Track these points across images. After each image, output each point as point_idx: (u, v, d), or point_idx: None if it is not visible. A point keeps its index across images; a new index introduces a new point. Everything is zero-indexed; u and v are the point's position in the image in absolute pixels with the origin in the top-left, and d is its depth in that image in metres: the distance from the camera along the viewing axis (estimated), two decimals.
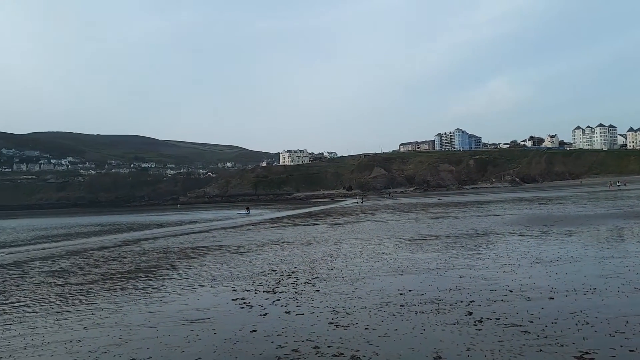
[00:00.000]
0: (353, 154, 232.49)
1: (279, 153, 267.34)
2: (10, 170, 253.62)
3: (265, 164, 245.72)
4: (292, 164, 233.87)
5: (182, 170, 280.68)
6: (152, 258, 19.33)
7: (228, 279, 13.16)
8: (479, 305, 8.77)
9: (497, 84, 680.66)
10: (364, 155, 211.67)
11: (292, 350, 6.79)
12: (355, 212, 50.75)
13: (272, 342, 7.22)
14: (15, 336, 8.26)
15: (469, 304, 8.90)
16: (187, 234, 33.05)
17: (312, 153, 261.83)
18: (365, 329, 7.66)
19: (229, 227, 37.33)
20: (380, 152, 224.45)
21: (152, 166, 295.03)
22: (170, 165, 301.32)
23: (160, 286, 12.58)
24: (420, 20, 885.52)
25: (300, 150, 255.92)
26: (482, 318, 7.92)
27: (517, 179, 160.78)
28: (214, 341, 7.45)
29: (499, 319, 7.87)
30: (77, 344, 7.61)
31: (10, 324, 9.21)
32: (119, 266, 17.19)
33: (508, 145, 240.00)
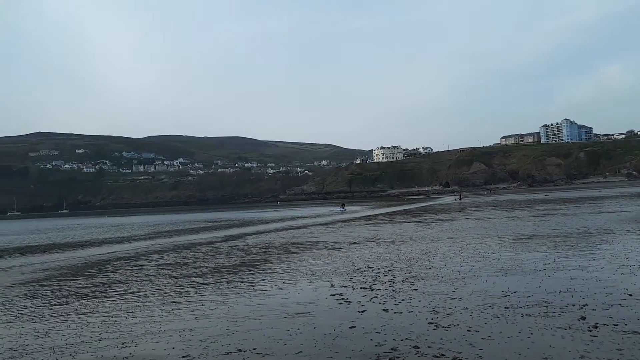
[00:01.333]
0: (450, 148, 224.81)
1: (372, 150, 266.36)
2: (130, 171, 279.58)
3: (359, 161, 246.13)
4: (385, 160, 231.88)
5: (281, 169, 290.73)
6: (255, 253, 20.26)
7: (326, 274, 13.41)
8: (594, 310, 8.09)
9: (609, 70, 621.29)
10: (462, 150, 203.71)
11: (392, 349, 6.76)
12: (453, 209, 49.15)
13: (371, 340, 7.25)
14: (136, 323, 9.09)
15: (581, 308, 8.24)
16: (286, 229, 34.18)
17: (406, 149, 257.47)
18: (467, 330, 7.41)
19: (326, 224, 38.00)
20: (479, 146, 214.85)
21: (254, 165, 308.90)
22: (270, 165, 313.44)
23: (263, 280, 13.16)
24: (520, 4, 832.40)
25: (394, 147, 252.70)
26: (597, 323, 7.30)
27: (634, 172, 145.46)
28: (315, 335, 7.65)
29: (616, 325, 7.20)
30: (189, 332, 8.20)
31: (132, 311, 10.14)
32: (226, 260, 18.24)
33: (624, 136, 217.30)
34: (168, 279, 14.36)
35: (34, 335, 8.57)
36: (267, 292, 11.44)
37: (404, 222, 34.50)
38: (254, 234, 32.04)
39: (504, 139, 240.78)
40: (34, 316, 10.23)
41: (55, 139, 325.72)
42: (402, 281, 11.66)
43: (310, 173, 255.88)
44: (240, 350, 7.06)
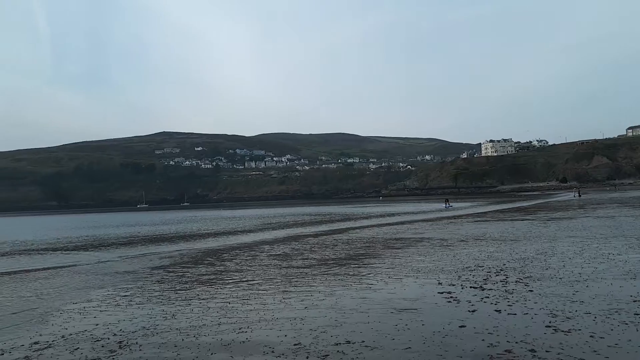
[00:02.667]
0: (567, 141, 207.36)
1: (480, 144, 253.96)
2: (242, 167, 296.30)
3: (465, 156, 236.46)
4: (495, 154, 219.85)
5: (383, 164, 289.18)
6: (360, 247, 20.44)
7: (433, 271, 13.16)
8: None
9: None
10: (581, 143, 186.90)
11: (505, 351, 6.49)
12: (571, 206, 45.37)
13: (483, 340, 7.01)
14: (251, 310, 9.65)
15: None
16: (389, 225, 33.98)
17: (518, 142, 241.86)
18: (591, 336, 6.86)
19: (430, 220, 37.12)
20: (601, 138, 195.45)
21: (357, 161, 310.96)
22: (372, 160, 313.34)
23: (369, 274, 13.26)
24: None
25: (505, 140, 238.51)
26: None
27: None
28: (423, 332, 7.57)
29: None
30: (300, 321, 8.54)
31: (247, 299, 10.78)
32: (331, 253, 18.64)
33: None
34: (279, 269, 15.03)
35: (163, 317, 9.47)
36: (373, 286, 11.51)
37: (517, 219, 32.59)
38: (357, 228, 32.31)
39: (630, 130, 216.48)
40: (162, 299, 11.29)
41: (177, 137, 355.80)
42: (516, 282, 11.08)
43: (413, 168, 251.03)
44: (349, 342, 7.21)
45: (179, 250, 23.25)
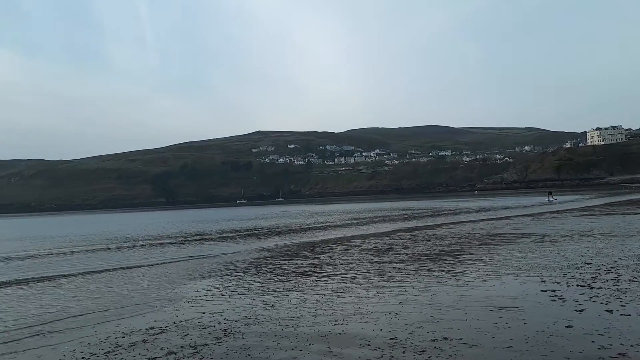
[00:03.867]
0: None
1: (585, 132, 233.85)
2: (332, 163, 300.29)
3: (569, 145, 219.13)
4: (602, 143, 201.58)
5: (477, 157, 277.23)
6: (454, 242, 19.90)
7: (534, 268, 12.49)
8: None
9: None
10: None
11: (619, 354, 6.03)
12: None
13: (593, 342, 6.57)
14: (346, 303, 9.82)
15: None
16: (486, 220, 32.66)
17: (630, 129, 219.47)
18: None
19: (531, 215, 35.10)
20: None
21: (449, 154, 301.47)
22: (466, 152, 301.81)
23: (465, 270, 12.89)
24: None
25: (613, 127, 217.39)
26: None
27: None
28: (525, 331, 7.25)
29: None
30: (395, 316, 8.55)
31: (342, 292, 10.98)
32: (424, 248, 18.35)
33: None
34: (371, 263, 15.11)
35: (263, 307, 9.95)
36: (470, 283, 11.19)
37: (629, 213, 29.80)
38: (451, 223, 31.43)
39: None
40: (262, 290, 11.85)
41: (271, 136, 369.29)
42: (630, 280, 10.20)
43: (510, 160, 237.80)
44: (446, 339, 7.11)
45: (275, 243, 24.16)
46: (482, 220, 33.03)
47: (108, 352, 7.45)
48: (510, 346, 6.64)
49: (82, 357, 7.24)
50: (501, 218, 33.68)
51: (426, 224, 32.37)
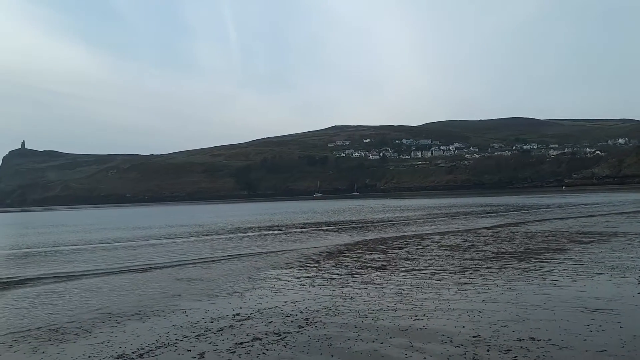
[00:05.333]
0: None
1: None
2: (409, 157, 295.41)
3: None
4: None
5: (565, 150, 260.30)
6: (540, 240, 18.97)
7: (631, 269, 11.65)
8: None
9: None
10: None
11: None
12: None
13: None
14: (426, 299, 9.74)
15: None
16: (575, 217, 30.80)
17: None
18: None
19: (625, 212, 32.58)
20: None
21: (534, 147, 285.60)
22: (552, 146, 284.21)
23: (553, 269, 12.28)
24: None
25: None
26: None
27: None
28: (621, 335, 6.81)
29: None
30: (477, 314, 8.36)
31: (421, 287, 10.88)
32: (508, 246, 17.66)
33: None
34: (451, 260, 14.80)
35: (342, 299, 10.11)
36: (558, 282, 10.66)
37: None
38: (536, 220, 29.91)
39: None
40: (341, 282, 12.03)
41: (347, 130, 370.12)
42: None
43: (602, 154, 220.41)
44: (533, 339, 6.86)
45: (351, 236, 24.31)
46: (571, 217, 31.13)
47: (199, 335, 7.95)
48: (604, 350, 6.28)
49: (176, 339, 7.77)
50: (592, 215, 31.57)
51: (509, 220, 31.03)
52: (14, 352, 7.46)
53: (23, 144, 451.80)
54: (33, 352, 7.41)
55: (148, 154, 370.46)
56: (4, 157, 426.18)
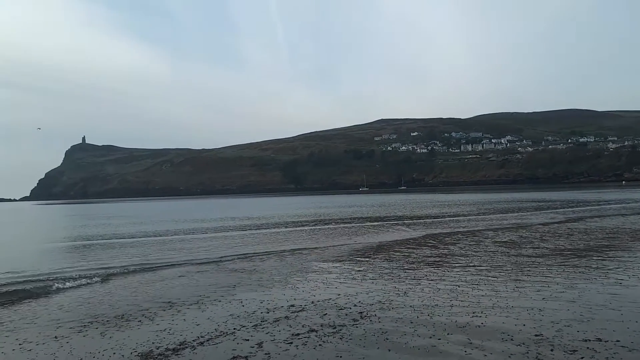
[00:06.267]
0: None
1: None
2: (458, 150, 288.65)
3: None
4: None
5: (626, 143, 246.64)
6: (601, 237, 18.16)
7: None
8: None
9: None
10: None
11: None
12: None
13: None
14: (482, 295, 9.52)
15: None
16: (637, 214, 29.24)
17: None
18: None
19: None
20: None
21: (591, 140, 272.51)
22: (611, 139, 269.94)
23: (617, 268, 11.72)
24: None
25: None
26: None
27: None
28: None
29: None
30: (538, 312, 8.10)
31: (477, 284, 10.65)
32: (567, 243, 16.99)
33: None
34: (507, 257, 14.40)
35: (395, 293, 10.06)
36: (624, 282, 10.18)
37: None
38: (595, 217, 28.59)
39: None
40: (392, 277, 11.96)
41: (393, 124, 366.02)
42: None
43: None
44: (600, 340, 6.59)
45: (400, 231, 24.07)
46: (634, 214, 29.57)
47: (256, 325, 8.13)
48: None
49: (234, 329, 7.98)
50: None
51: (566, 217, 29.81)
52: (83, 336, 7.89)
53: (84, 139, 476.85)
54: (101, 336, 7.81)
55: (199, 148, 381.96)
56: (67, 151, 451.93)
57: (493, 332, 7.17)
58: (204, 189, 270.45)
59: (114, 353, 6.97)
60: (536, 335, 6.88)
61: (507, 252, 15.28)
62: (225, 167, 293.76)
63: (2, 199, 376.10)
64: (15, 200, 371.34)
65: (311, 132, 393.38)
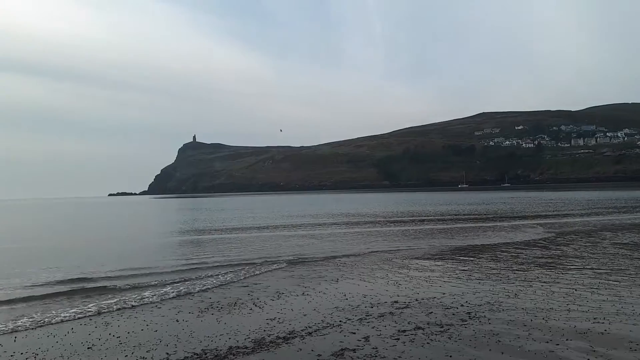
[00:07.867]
0: None
1: None
2: (568, 145, 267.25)
3: None
4: None
5: None
6: None
7: None
8: None
9: None
10: None
11: None
12: None
13: None
14: (603, 301, 8.81)
15: None
16: None
17: None
18: None
19: None
20: None
21: None
22: None
23: None
24: None
25: None
26: None
27: None
28: None
29: None
30: None
31: (596, 288, 9.87)
32: None
33: None
34: (630, 260, 13.18)
35: (505, 295, 9.62)
36: None
37: None
38: None
39: None
40: (501, 277, 11.45)
41: (496, 117, 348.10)
42: None
43: None
44: None
45: (504, 230, 22.92)
46: None
47: (361, 319, 8.23)
48: None
49: (340, 321, 8.14)
50: None
51: None
52: (201, 321, 8.51)
53: (194, 137, 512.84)
54: (217, 322, 8.37)
55: (299, 145, 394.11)
56: (179, 149, 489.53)
57: (619, 340, 6.61)
58: (302, 184, 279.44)
59: (229, 338, 7.42)
60: None
61: (630, 255, 13.97)
62: (321, 164, 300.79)
63: (125, 192, 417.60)
64: (135, 194, 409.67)
65: (406, 128, 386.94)
